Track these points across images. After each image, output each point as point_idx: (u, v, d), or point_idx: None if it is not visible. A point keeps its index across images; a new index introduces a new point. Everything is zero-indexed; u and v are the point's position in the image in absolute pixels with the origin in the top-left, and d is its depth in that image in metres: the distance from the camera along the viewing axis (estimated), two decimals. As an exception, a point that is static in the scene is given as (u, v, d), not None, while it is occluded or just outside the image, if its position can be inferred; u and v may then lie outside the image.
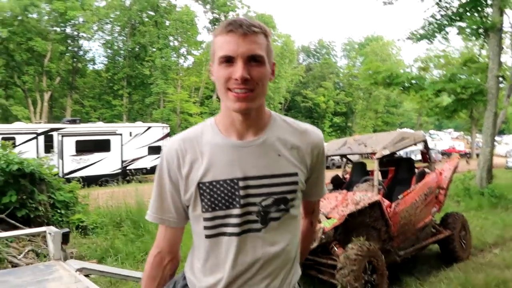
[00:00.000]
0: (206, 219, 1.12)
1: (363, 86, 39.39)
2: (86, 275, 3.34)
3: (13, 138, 14.77)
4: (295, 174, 1.15)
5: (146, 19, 36.72)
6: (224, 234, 1.12)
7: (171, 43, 35.92)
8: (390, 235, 4.33)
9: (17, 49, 31.72)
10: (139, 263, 4.95)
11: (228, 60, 1.05)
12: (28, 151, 13.93)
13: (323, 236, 3.82)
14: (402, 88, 11.18)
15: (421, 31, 11.44)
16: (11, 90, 34.48)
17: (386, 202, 4.40)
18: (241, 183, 1.09)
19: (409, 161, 5.67)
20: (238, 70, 1.03)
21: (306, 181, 1.21)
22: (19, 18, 31.39)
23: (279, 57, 40.06)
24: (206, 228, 1.13)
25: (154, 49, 35.28)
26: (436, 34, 11.40)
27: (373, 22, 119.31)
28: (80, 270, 3.19)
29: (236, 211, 1.10)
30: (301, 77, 46.23)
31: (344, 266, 3.62)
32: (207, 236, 1.13)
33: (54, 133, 16.51)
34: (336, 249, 3.97)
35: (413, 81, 11.03)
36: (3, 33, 29.84)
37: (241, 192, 1.09)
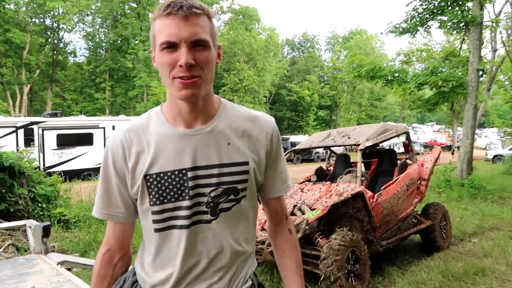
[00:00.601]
0: (154, 212, 1.07)
1: (347, 80, 39.68)
2: (68, 269, 3.30)
3: (-9, 132, 14.42)
4: (246, 163, 1.09)
5: (128, 11, 36.11)
6: (174, 227, 1.07)
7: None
8: (372, 226, 4.39)
9: (-6, 40, 30.80)
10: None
11: (171, 46, 0.98)
12: (8, 145, 13.60)
13: (307, 227, 3.84)
14: (385, 81, 11.30)
15: (404, 25, 11.56)
16: (-11, 82, 33.53)
17: (369, 193, 4.46)
18: (189, 174, 1.05)
19: (391, 153, 5.75)
20: (182, 56, 0.96)
21: (263, 172, 1.15)
22: (-4, 8, 30.47)
23: (263, 50, 39.96)
24: (155, 221, 1.07)
25: (136, 42, 34.76)
26: (419, 28, 11.54)
27: (357, 16, 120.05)
28: (61, 263, 3.16)
29: (185, 203, 1.05)
30: (286, 70, 46.26)
31: (327, 256, 3.65)
32: (157, 230, 1.08)
33: (35, 127, 16.15)
34: (319, 240, 4.00)
35: (396, 74, 11.16)
36: (-21, 24, 28.95)
37: (190, 183, 1.05)
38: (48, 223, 3.62)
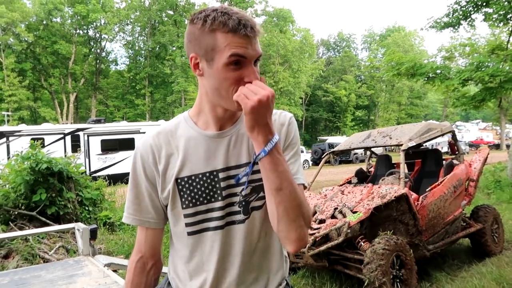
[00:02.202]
0: (187, 216, 1.07)
1: (385, 78, 38.70)
2: (114, 270, 3.40)
3: (42, 139, 15.25)
4: None
5: (166, 19, 37.12)
6: (207, 229, 1.06)
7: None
8: (418, 229, 4.22)
9: (43, 52, 32.71)
10: (164, 258, 5.01)
11: (238, 61, 0.97)
12: (56, 151, 14.34)
13: (349, 231, 3.75)
14: (426, 79, 10.87)
15: (445, 19, 11.08)
16: (39, 92, 35.58)
17: (413, 195, 4.29)
18: (221, 175, 1.06)
19: (436, 153, 5.51)
20: (251, 73, 0.97)
21: None
22: (44, 22, 32.31)
23: (298, 52, 39.76)
24: (187, 225, 1.07)
25: (174, 48, 35.66)
26: (461, 22, 11.03)
27: (394, 13, 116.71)
28: (108, 265, 3.26)
29: (218, 203, 1.06)
30: (321, 71, 45.82)
31: (371, 261, 3.55)
32: (190, 233, 1.08)
33: (81, 133, 16.94)
34: (362, 243, 3.89)
35: (438, 71, 10.71)
36: (30, 38, 30.80)
37: (222, 184, 1.05)
38: (95, 226, 3.76)
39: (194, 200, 1.05)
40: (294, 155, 1.14)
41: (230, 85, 0.98)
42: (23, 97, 30.37)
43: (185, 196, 1.06)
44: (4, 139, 15.72)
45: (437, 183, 4.58)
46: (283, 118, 1.14)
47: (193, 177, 1.06)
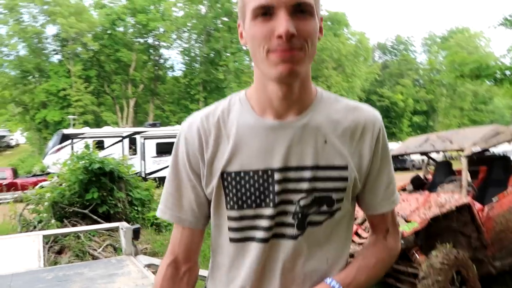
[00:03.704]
0: (231, 219, 0.89)
1: (446, 82, 36.63)
2: (154, 272, 3.37)
3: (102, 141, 16.15)
4: (345, 168, 0.87)
5: (221, 25, 37.95)
6: (252, 239, 0.88)
7: (244, 47, 36.58)
8: (482, 243, 3.80)
9: (107, 60, 34.77)
10: (207, 261, 4.96)
11: (266, 12, 0.78)
12: (115, 153, 15.06)
13: (402, 241, 3.44)
14: (493, 81, 10.06)
15: (517, 15, 10.19)
16: (102, 98, 37.79)
17: (477, 205, 3.88)
18: (276, 176, 0.85)
19: (505, 160, 4.98)
20: (281, 24, 0.76)
21: (363, 180, 0.92)
22: (108, 32, 34.36)
23: (352, 56, 38.83)
24: (231, 229, 0.90)
25: (228, 54, 36.32)
26: (535, 18, 10.08)
27: (457, 14, 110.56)
28: (148, 265, 3.24)
29: (268, 211, 0.86)
30: (377, 75, 44.31)
31: (427, 276, 3.23)
32: (232, 240, 0.90)
33: (137, 136, 17.69)
34: (417, 256, 3.56)
35: (507, 72, 9.85)
36: (95, 46, 32.87)
37: (276, 187, 0.85)
38: (138, 226, 3.78)
39: (240, 202, 0.87)
40: (390, 166, 0.96)
41: (259, 44, 0.79)
42: (88, 102, 32.41)
43: (231, 195, 0.88)
44: (69, 141, 16.81)
45: (506, 192, 4.11)
46: (373, 120, 0.92)
47: (242, 174, 0.87)
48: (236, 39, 35.33)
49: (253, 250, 0.88)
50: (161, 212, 0.96)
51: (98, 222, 5.68)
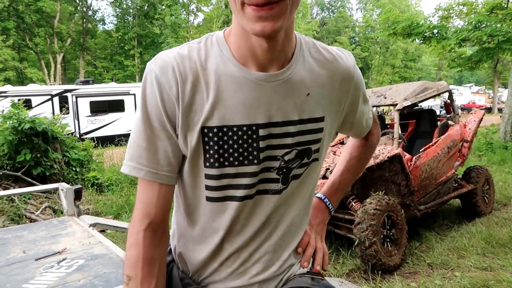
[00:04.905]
0: (209, 177, 0.82)
1: (380, 40, 38.03)
2: (102, 231, 3.33)
3: (29, 100, 14.88)
4: (322, 119, 0.86)
5: (155, -25, 35.58)
6: (232, 198, 0.84)
7: (180, 0, 34.88)
8: (410, 190, 4.18)
9: (26, 10, 31.33)
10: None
11: None
12: (44, 112, 14.03)
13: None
14: (423, 39, 10.65)
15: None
16: (24, 52, 34.43)
17: (406, 156, 4.22)
18: (261, 132, 0.80)
19: (431, 113, 5.42)
20: None
21: (335, 128, 0.94)
22: (26, -23, 30.76)
23: (292, 12, 38.69)
24: (208, 188, 0.83)
25: (163, 7, 34.42)
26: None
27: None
28: (93, 225, 3.17)
29: (251, 168, 0.82)
30: (315, 32, 44.72)
31: (362, 221, 3.52)
32: (209, 199, 0.84)
33: (68, 94, 16.54)
34: (353, 203, 3.86)
35: (435, 31, 10.46)
36: (11, -6, 29.40)
37: (261, 144, 0.81)
38: (80, 186, 3.64)
39: (222, 160, 0.81)
40: (366, 101, 1.02)
41: None
42: (8, 57, 29.40)
43: (211, 152, 0.80)
44: (-11, 100, 15.32)
45: (431, 143, 4.50)
46: (350, 67, 0.93)
47: (224, 129, 0.80)
48: (172, -10, 33.59)
49: (233, 208, 0.84)
50: (133, 169, 0.83)
51: (32, 185, 5.39)
